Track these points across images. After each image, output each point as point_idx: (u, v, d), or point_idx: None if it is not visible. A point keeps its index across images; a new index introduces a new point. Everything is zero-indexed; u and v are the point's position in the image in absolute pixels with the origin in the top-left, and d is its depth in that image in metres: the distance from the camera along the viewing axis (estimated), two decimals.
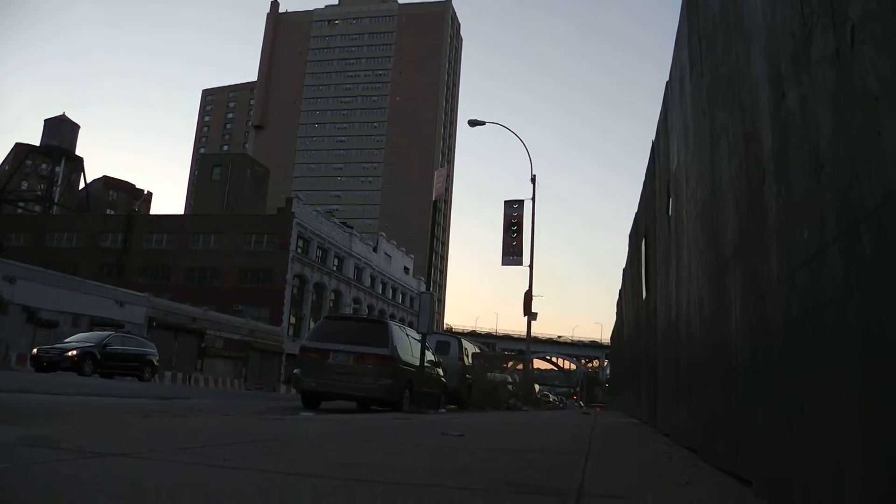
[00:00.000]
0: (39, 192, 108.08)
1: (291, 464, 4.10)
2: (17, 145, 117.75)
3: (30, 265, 45.05)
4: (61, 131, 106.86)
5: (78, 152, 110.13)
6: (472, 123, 36.14)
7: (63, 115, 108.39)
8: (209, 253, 70.84)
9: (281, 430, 6.84)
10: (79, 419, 6.39)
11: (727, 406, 4.17)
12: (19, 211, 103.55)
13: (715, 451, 4.66)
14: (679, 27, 6.62)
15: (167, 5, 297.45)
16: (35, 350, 27.99)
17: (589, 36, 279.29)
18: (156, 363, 31.60)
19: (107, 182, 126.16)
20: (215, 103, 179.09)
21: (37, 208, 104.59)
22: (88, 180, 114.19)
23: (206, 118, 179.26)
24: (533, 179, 33.51)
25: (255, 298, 66.09)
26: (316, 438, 6.08)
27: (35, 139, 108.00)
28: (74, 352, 26.39)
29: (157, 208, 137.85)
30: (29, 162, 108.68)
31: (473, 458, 5.07)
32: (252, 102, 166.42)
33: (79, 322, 43.19)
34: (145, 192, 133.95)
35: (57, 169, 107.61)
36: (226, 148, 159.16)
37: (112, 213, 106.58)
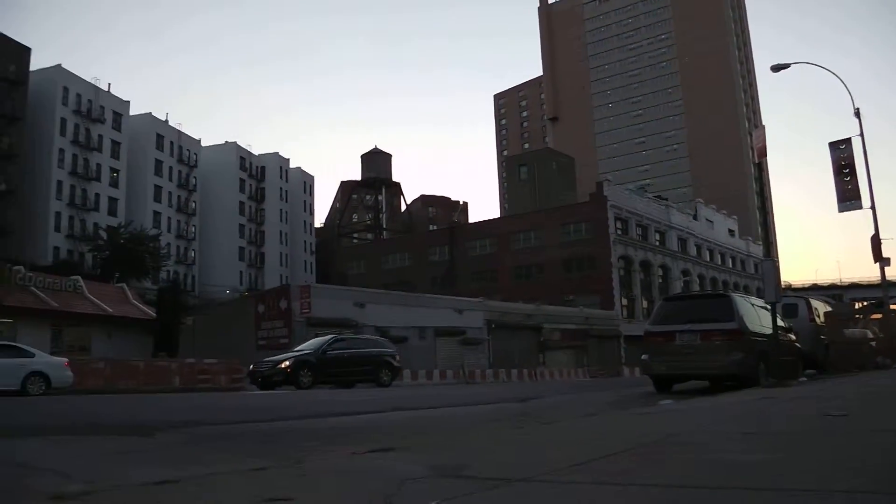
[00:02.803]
0: (368, 222, 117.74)
1: (684, 474, 3.99)
2: (343, 183, 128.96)
3: (373, 289, 49.18)
4: (377, 163, 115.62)
5: (394, 178, 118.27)
6: (776, 68, 33.55)
7: (376, 148, 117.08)
8: (531, 250, 72.68)
9: (654, 428, 6.73)
10: (452, 436, 6.67)
11: None
12: (354, 241, 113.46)
13: None
14: None
15: (441, 19, 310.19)
16: (252, 366, 26.45)
17: None
18: (395, 363, 27.79)
19: (424, 200, 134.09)
20: (508, 105, 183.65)
21: (369, 236, 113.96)
22: (408, 202, 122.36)
23: (503, 121, 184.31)
24: (857, 113, 30.35)
25: (584, 286, 66.67)
26: (697, 436, 5.89)
27: (353, 174, 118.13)
28: (287, 363, 24.30)
29: (474, 216, 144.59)
30: (355, 196, 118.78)
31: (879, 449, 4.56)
32: (542, 96, 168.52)
33: (425, 334, 46.31)
34: (460, 203, 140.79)
35: (379, 197, 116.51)
36: (526, 146, 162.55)
37: (434, 227, 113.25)
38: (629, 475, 3.96)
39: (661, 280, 73.99)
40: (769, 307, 15.44)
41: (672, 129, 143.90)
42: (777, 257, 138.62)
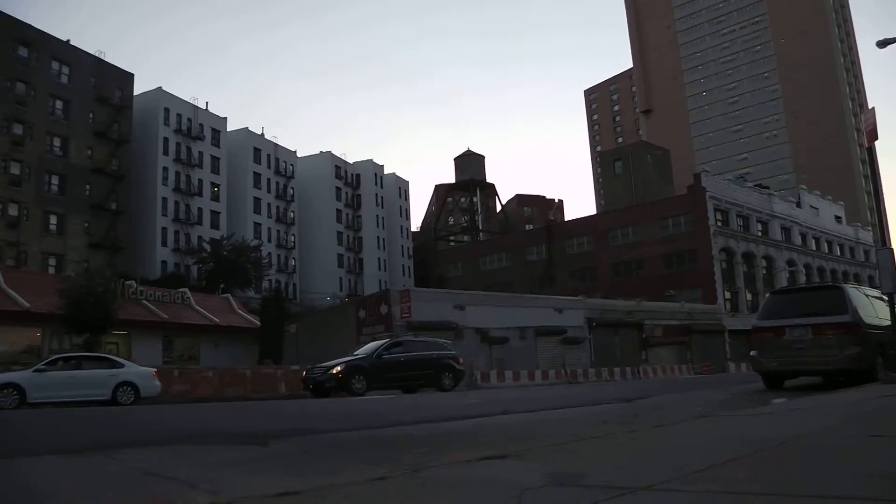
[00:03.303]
0: (464, 224, 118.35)
1: (822, 482, 3.90)
2: (437, 187, 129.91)
3: (472, 291, 49.38)
4: (470, 165, 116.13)
5: (488, 179, 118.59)
6: (882, 44, 32.25)
7: (468, 150, 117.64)
8: (629, 245, 71.92)
9: (775, 430, 6.55)
10: (564, 441, 6.61)
11: None
12: (451, 244, 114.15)
13: None
14: None
15: (525, 16, 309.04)
16: (304, 372, 25.73)
17: None
18: (458, 366, 26.64)
19: (520, 200, 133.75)
20: (599, 100, 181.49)
21: (465, 238, 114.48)
22: (503, 203, 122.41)
23: (594, 116, 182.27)
24: None
25: (684, 280, 65.50)
26: (824, 439, 5.73)
27: (447, 178, 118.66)
28: (339, 368, 23.51)
29: (570, 213, 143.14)
30: (449, 199, 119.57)
31: None
32: (634, 89, 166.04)
33: (525, 335, 46.28)
34: (556, 201, 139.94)
35: (474, 199, 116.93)
36: (620, 140, 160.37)
37: (531, 227, 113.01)
38: (759, 483, 3.86)
39: (764, 272, 71.93)
40: (886, 298, 14.87)
41: (770, 115, 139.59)
42: (890, 244, 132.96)
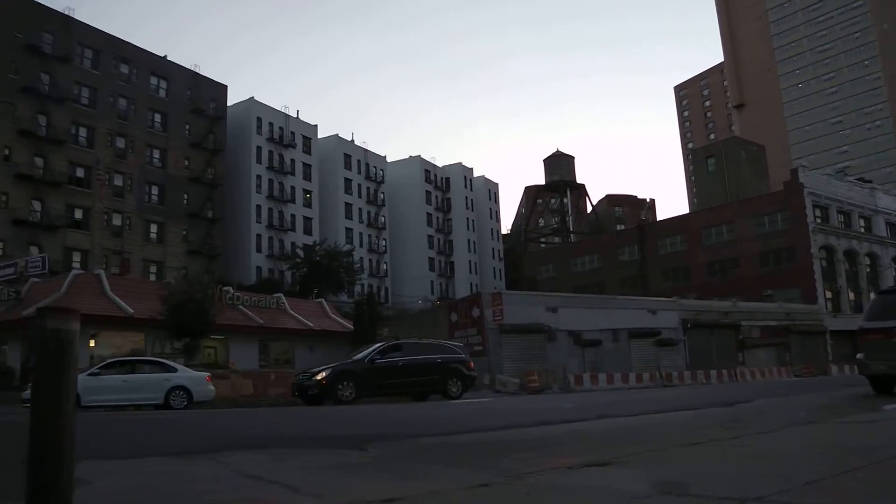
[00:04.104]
0: (555, 225, 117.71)
1: None
2: (527, 188, 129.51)
3: (564, 293, 49.09)
4: (560, 165, 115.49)
5: (578, 180, 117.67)
6: None
7: (557, 151, 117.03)
8: (724, 244, 70.47)
9: (889, 439, 6.37)
10: (665, 447, 6.55)
11: None
12: (542, 246, 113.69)
13: None
14: None
15: (611, 14, 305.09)
16: (295, 377, 24.47)
17: None
18: (467, 371, 24.78)
19: (610, 200, 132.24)
20: (689, 96, 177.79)
21: (556, 240, 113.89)
22: (594, 203, 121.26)
23: (685, 113, 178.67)
24: None
25: (782, 280, 63.70)
26: None
27: (536, 179, 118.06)
28: (323, 374, 22.06)
29: (661, 213, 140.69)
30: (539, 200, 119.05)
31: None
32: (725, 83, 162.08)
33: (619, 336, 45.78)
34: (647, 201, 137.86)
35: (564, 200, 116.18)
36: (712, 136, 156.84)
37: (622, 227, 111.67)
38: (878, 500, 3.74)
39: (868, 270, 69.29)
40: None
41: (872, 105, 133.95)
42: None
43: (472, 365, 25.47)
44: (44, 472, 3.37)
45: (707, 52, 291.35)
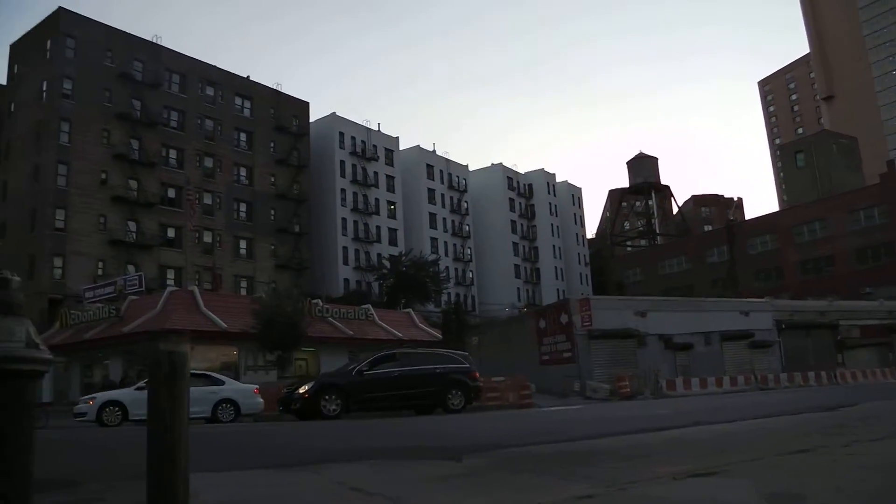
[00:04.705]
0: (641, 228, 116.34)
1: None
2: (611, 192, 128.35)
3: (652, 297, 48.54)
4: (643, 167, 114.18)
5: (662, 181, 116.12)
6: None
7: (641, 153, 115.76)
8: (817, 242, 68.62)
9: None
10: (770, 455, 6.40)
11: None
12: (628, 249, 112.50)
13: None
14: None
15: (690, 9, 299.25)
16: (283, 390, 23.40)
17: None
18: (471, 382, 22.88)
19: (696, 200, 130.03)
20: (774, 91, 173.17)
21: (642, 242, 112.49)
22: (679, 204, 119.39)
23: (771, 108, 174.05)
24: None
25: (882, 276, 61.59)
26: None
27: (620, 182, 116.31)
28: (306, 387, 20.88)
29: (750, 212, 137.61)
30: (624, 203, 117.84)
31: None
32: (812, 75, 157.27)
33: (710, 340, 45.05)
34: (735, 200, 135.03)
35: (650, 202, 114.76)
36: (800, 131, 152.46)
37: (709, 228, 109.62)
38: None
39: None
40: None
41: None
42: None
43: (477, 375, 23.73)
44: (162, 485, 3.57)
45: (791, 44, 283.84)
